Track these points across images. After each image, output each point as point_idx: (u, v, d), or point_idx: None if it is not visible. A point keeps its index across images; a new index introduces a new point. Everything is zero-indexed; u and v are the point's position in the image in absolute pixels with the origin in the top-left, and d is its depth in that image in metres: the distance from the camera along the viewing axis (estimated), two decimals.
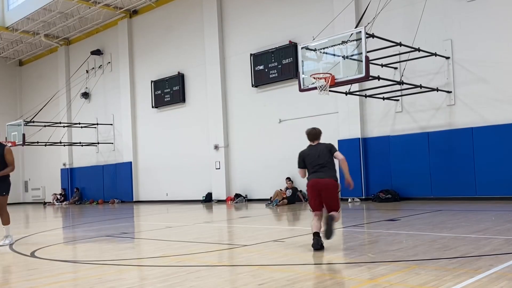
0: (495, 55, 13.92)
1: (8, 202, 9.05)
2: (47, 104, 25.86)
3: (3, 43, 30.64)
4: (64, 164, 29.70)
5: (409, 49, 13.65)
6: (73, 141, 27.74)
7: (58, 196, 28.82)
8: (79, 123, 26.38)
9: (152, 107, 24.32)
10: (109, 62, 26.86)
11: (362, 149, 16.59)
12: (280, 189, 17.72)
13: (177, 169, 23.14)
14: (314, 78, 12.39)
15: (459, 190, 14.46)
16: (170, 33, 23.60)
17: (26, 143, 24.48)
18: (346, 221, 10.49)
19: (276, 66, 19.01)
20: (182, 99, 22.94)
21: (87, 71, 27.90)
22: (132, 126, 25.46)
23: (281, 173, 18.39)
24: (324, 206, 6.86)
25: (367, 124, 16.76)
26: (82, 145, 26.85)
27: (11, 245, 8.74)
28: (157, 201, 23.84)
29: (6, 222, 8.88)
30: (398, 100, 15.70)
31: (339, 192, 7.28)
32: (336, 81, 12.23)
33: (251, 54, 19.91)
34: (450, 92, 14.68)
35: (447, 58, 14.69)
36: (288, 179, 17.80)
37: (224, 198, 20.71)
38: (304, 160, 7.07)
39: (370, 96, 15.31)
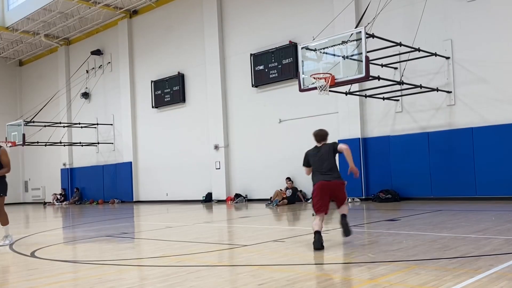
0: (495, 55, 13.92)
1: (8, 202, 9.07)
2: (47, 104, 25.84)
3: (3, 43, 30.64)
4: (64, 164, 29.69)
5: (409, 49, 13.65)
6: (73, 141, 27.73)
7: (58, 196, 28.80)
8: (79, 123, 26.38)
9: (152, 107, 24.32)
10: (109, 62, 26.86)
11: (362, 149, 16.59)
12: (280, 189, 17.71)
13: (177, 169, 23.13)
14: (314, 78, 12.38)
15: (459, 190, 14.46)
16: (170, 33, 23.60)
17: (26, 143, 24.46)
18: None
19: (276, 66, 19.00)
20: (182, 99, 22.94)
21: (87, 71, 27.89)
22: (132, 126, 25.46)
23: (281, 173, 18.40)
24: (328, 207, 7.12)
25: (367, 124, 16.76)
26: (82, 145, 26.85)
27: (11, 245, 8.74)
28: (157, 201, 23.83)
29: (5, 223, 8.88)
30: (398, 100, 15.70)
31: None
32: (336, 81, 12.23)
33: (251, 54, 19.90)
34: (450, 92, 14.68)
35: (447, 58, 14.69)
36: (288, 179, 17.80)
37: (224, 198, 20.70)
38: (308, 160, 7.39)
39: (370, 96, 15.31)
